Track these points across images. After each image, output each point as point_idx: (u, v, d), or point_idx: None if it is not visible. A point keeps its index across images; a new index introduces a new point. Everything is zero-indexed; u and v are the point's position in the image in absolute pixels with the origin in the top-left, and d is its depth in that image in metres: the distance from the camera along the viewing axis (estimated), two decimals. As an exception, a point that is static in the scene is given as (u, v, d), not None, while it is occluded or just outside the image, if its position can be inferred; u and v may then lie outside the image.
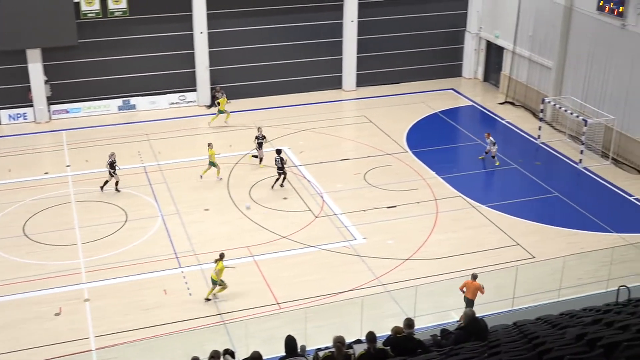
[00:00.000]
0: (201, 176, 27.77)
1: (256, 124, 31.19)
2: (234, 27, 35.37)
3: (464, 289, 19.46)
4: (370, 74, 37.96)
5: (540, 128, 32.14)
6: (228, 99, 33.73)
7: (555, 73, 33.06)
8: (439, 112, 35.16)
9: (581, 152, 29.78)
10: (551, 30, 33.06)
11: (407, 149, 30.77)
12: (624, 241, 23.78)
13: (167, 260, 22.87)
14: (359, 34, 36.92)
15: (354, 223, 25.06)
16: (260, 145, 29.02)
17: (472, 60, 39.21)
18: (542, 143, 31.67)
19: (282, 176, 27.21)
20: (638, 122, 28.88)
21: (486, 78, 39.16)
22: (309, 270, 22.42)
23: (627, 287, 17.36)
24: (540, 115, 32.65)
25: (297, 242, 23.94)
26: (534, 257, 22.96)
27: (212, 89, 35.39)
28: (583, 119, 29.95)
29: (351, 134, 32.95)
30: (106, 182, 26.94)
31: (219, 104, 33.04)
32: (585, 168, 29.39)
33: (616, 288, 17.76)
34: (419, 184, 27.78)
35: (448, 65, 39.37)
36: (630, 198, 27.10)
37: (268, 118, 33.83)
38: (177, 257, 23.03)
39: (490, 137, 29.38)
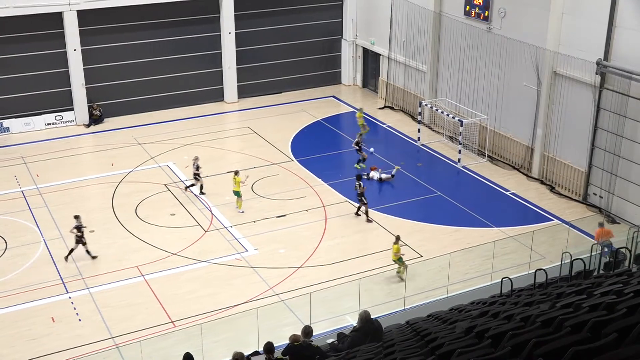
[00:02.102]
0: (238, 209, 26.51)
1: (138, 138, 30.49)
2: (109, 42, 34.52)
3: (599, 239, 21.66)
4: (252, 85, 38.02)
5: (419, 130, 33.15)
6: (107, 116, 32.78)
7: (430, 76, 34.21)
8: (322, 119, 35.65)
9: (459, 151, 30.95)
10: (423, 35, 34.22)
11: (293, 158, 31.02)
12: (504, 234, 24.87)
13: (53, 287, 22.04)
14: (237, 46, 36.90)
15: (245, 235, 25.01)
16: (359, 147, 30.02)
17: (350, 67, 40.00)
18: (422, 145, 32.70)
19: (363, 204, 25.93)
20: (509, 120, 30.30)
21: (365, 84, 40.04)
22: (201, 286, 22.20)
23: (510, 279, 18.23)
24: (419, 118, 33.68)
25: (188, 258, 23.66)
26: (421, 256, 23.62)
27: (89, 107, 34.48)
28: (459, 120, 31.14)
29: (236, 145, 32.88)
30: (192, 184, 27.69)
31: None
32: (464, 167, 30.56)
33: (499, 280, 18.62)
34: (306, 191, 28.07)
35: (327, 73, 39.98)
36: (507, 193, 28.38)
37: (150, 134, 33.29)
38: (63, 283, 22.26)
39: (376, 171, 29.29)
